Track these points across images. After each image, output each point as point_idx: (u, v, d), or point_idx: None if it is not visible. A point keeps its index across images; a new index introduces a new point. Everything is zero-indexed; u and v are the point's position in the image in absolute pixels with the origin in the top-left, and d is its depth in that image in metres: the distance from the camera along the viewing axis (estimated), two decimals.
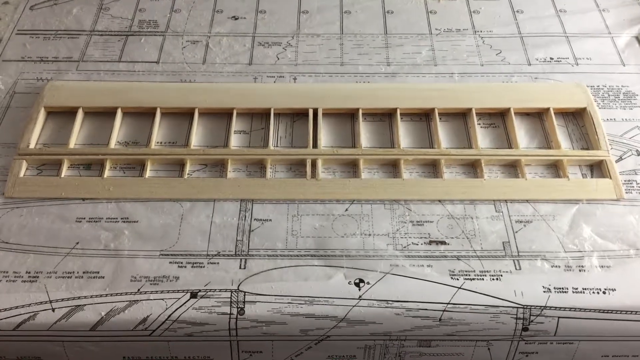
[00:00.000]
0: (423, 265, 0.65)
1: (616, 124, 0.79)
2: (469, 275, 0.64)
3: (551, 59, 0.88)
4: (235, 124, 0.78)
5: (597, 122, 0.77)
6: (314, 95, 0.80)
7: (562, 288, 0.63)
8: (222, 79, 0.85)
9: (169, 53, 0.88)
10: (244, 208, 0.70)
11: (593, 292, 0.63)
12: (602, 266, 0.65)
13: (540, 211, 0.70)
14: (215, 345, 0.63)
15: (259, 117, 0.80)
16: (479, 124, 0.79)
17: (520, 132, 0.78)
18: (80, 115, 0.78)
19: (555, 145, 0.76)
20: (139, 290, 0.63)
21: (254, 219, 0.69)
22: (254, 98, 0.80)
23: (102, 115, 0.79)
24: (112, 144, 0.75)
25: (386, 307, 0.62)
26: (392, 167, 0.75)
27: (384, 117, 0.80)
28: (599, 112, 0.79)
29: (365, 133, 0.78)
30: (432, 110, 0.79)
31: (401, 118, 0.78)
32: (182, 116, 0.79)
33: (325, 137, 0.77)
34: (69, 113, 0.78)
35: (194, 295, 0.62)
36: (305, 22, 0.94)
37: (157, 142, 0.76)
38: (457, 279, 0.64)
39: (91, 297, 0.62)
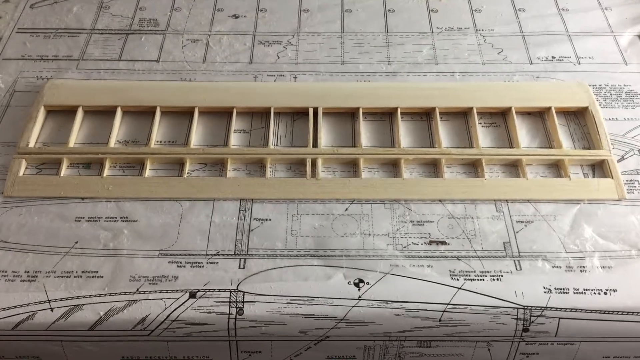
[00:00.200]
0: (423, 266, 0.65)
1: (618, 124, 0.79)
2: (469, 275, 0.64)
3: (553, 57, 0.88)
4: (235, 123, 0.78)
5: (599, 122, 0.77)
6: (315, 94, 0.80)
7: (563, 289, 0.63)
8: (222, 78, 0.85)
9: (169, 52, 0.88)
10: (244, 207, 0.70)
11: (594, 293, 0.63)
12: (603, 267, 0.65)
13: (541, 211, 0.70)
14: (214, 345, 0.62)
15: (259, 116, 0.79)
16: (480, 123, 0.78)
17: (522, 131, 0.77)
18: (80, 114, 0.78)
19: (556, 144, 0.75)
20: (137, 290, 0.62)
21: (254, 219, 0.69)
22: (254, 97, 0.80)
23: (102, 114, 0.78)
24: (112, 143, 0.75)
25: (386, 307, 0.62)
26: (393, 167, 0.74)
27: (385, 116, 0.79)
28: (600, 111, 0.78)
29: (365, 132, 0.77)
30: (433, 109, 0.78)
31: (402, 117, 0.78)
32: (182, 115, 0.79)
33: (325, 136, 0.77)
34: (69, 112, 0.78)
35: (193, 295, 0.62)
36: (305, 21, 0.94)
37: (157, 141, 0.76)
38: (458, 279, 0.64)
39: (90, 296, 0.62)
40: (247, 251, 0.66)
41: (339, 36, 0.91)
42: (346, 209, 0.70)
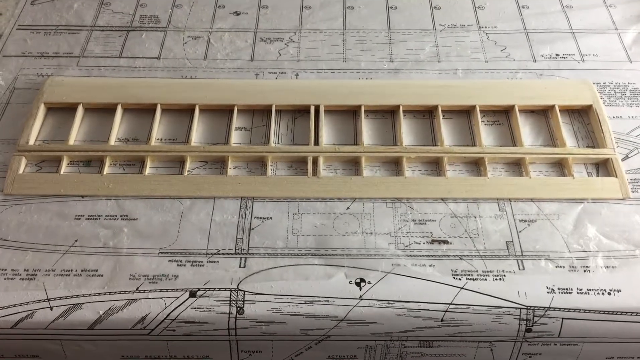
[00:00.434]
0: (425, 265, 0.64)
1: (622, 122, 0.78)
2: (472, 275, 0.64)
3: (557, 55, 0.87)
4: (236, 121, 0.77)
5: (603, 120, 0.76)
6: (316, 91, 0.79)
7: (567, 289, 0.62)
8: (223, 75, 0.84)
9: (170, 49, 0.88)
10: (244, 206, 0.69)
11: (598, 293, 0.62)
12: (607, 266, 0.64)
13: (544, 210, 0.69)
14: (215, 344, 0.62)
15: (260, 113, 0.79)
16: (483, 121, 0.78)
17: (525, 129, 0.77)
18: (80, 111, 0.77)
19: (560, 143, 0.75)
20: (137, 288, 0.62)
21: (254, 217, 0.68)
22: (255, 94, 0.79)
23: (102, 111, 0.78)
24: (112, 140, 0.75)
25: (387, 307, 0.61)
26: (395, 165, 0.74)
27: (387, 114, 0.79)
28: (605, 109, 0.78)
29: (367, 130, 0.77)
30: (436, 107, 0.78)
31: (404, 115, 0.78)
32: (183, 113, 0.78)
33: (326, 134, 0.76)
34: (69, 109, 0.78)
35: (193, 294, 0.62)
36: (307, 18, 0.93)
37: (157, 139, 0.76)
38: (460, 279, 0.63)
39: (89, 295, 0.62)
40: (248, 250, 0.66)
41: (341, 33, 0.91)
42: (347, 208, 0.69)
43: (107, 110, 0.78)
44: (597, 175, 0.73)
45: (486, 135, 0.76)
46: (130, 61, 0.86)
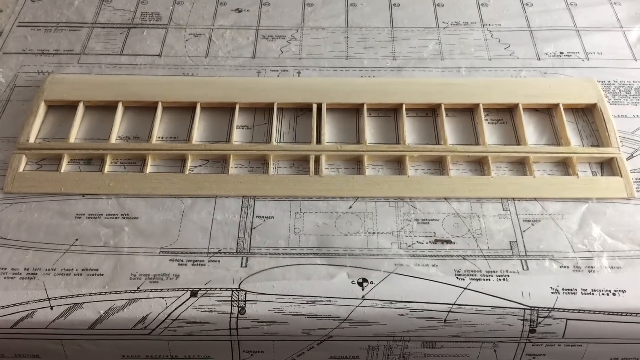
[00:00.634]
0: (428, 265, 0.64)
1: (627, 121, 0.77)
2: (475, 275, 0.63)
3: (561, 53, 0.86)
4: (238, 119, 0.76)
5: (608, 119, 0.76)
6: (318, 89, 0.79)
7: (571, 289, 0.62)
8: (224, 73, 0.83)
9: (171, 46, 0.87)
10: (246, 205, 0.69)
11: (602, 294, 0.62)
12: (612, 267, 0.64)
13: (548, 210, 0.68)
14: (216, 344, 0.62)
15: (261, 111, 0.78)
16: (487, 119, 0.77)
17: (529, 128, 0.76)
18: (80, 109, 0.77)
19: (564, 142, 0.74)
20: (138, 288, 0.62)
21: (256, 216, 0.68)
22: (257, 92, 0.78)
23: (103, 109, 0.77)
24: (113, 138, 0.74)
25: (390, 307, 0.61)
26: (397, 164, 0.73)
27: (389, 113, 0.78)
28: (609, 108, 0.77)
29: (370, 129, 0.76)
30: (439, 105, 0.77)
31: (407, 113, 0.77)
32: (184, 110, 0.78)
33: (329, 132, 0.76)
34: (70, 107, 0.77)
35: (194, 293, 0.61)
36: (309, 15, 0.93)
37: (159, 137, 0.75)
38: (463, 279, 0.63)
39: (90, 295, 0.61)
40: (250, 249, 0.65)
41: (343, 31, 0.90)
42: (350, 207, 0.69)
43: (108, 108, 0.77)
44: (602, 175, 0.72)
45: (490, 134, 0.75)
46: (131, 58, 0.85)
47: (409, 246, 0.66)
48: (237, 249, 0.65)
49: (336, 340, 0.62)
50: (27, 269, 0.63)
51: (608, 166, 0.73)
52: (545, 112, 0.78)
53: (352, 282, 0.62)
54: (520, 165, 0.73)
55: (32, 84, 0.81)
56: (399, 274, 0.63)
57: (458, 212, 0.68)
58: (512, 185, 0.70)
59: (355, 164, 0.73)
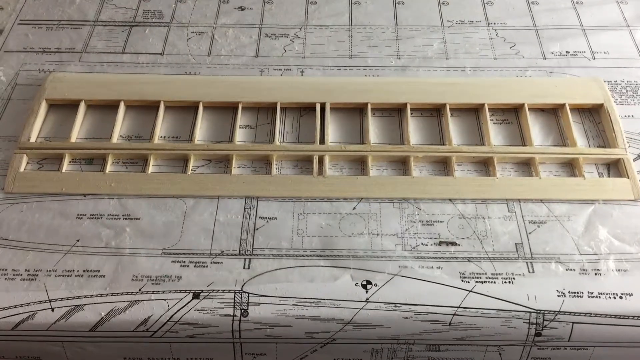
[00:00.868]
0: (433, 267, 0.63)
1: (634, 121, 0.76)
2: (480, 277, 0.62)
3: (567, 52, 0.85)
4: (241, 119, 0.76)
5: (615, 119, 0.75)
6: (322, 89, 0.78)
7: (577, 292, 0.61)
8: (227, 72, 0.83)
9: (173, 44, 0.86)
10: (249, 205, 0.68)
11: (609, 297, 0.61)
12: (618, 269, 0.63)
13: (554, 211, 0.68)
14: (218, 347, 0.61)
15: (265, 111, 0.78)
16: (492, 120, 0.76)
17: (535, 128, 0.75)
18: (82, 108, 0.76)
19: (570, 142, 0.73)
20: (140, 290, 0.61)
21: (259, 217, 0.67)
22: (260, 92, 0.78)
23: (105, 108, 0.77)
24: (115, 138, 0.73)
25: (394, 310, 0.60)
26: (402, 164, 0.72)
27: (394, 113, 0.78)
28: (616, 108, 0.76)
29: (374, 129, 0.75)
30: (444, 105, 0.76)
31: (411, 113, 0.76)
32: (186, 110, 0.77)
33: (332, 132, 0.75)
34: (71, 106, 0.76)
35: (196, 295, 0.61)
36: (313, 13, 0.92)
37: (161, 137, 0.75)
38: (468, 282, 0.62)
39: (91, 296, 0.61)
40: (252, 251, 0.64)
41: (347, 29, 0.89)
42: (354, 208, 0.68)
43: (110, 107, 0.76)
44: (609, 176, 0.71)
45: (495, 134, 0.75)
46: (133, 57, 0.85)
47: (414, 248, 0.65)
48: (239, 250, 0.65)
49: (340, 343, 0.61)
50: (28, 270, 0.62)
51: (615, 167, 0.72)
52: (551, 113, 0.77)
53: (356, 284, 0.62)
54: (526, 166, 0.72)
55: (33, 82, 0.81)
56: (403, 276, 0.63)
57: (463, 213, 0.68)
58: (518, 186, 0.70)
59: (359, 164, 0.72)
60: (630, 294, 0.61)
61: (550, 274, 0.63)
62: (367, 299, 0.61)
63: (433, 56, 0.85)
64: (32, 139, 0.73)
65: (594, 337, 0.61)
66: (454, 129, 0.75)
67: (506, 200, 0.69)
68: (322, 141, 0.73)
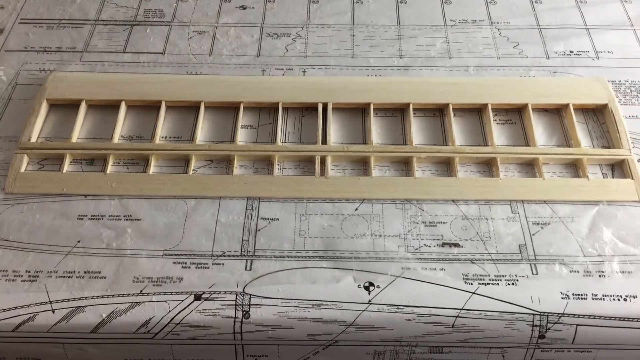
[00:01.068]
0: (435, 269, 0.63)
1: (639, 122, 0.76)
2: (484, 279, 0.62)
3: (571, 52, 0.85)
4: (242, 119, 0.75)
5: (619, 119, 0.74)
6: (324, 88, 0.77)
7: (581, 294, 0.61)
8: (229, 71, 0.82)
9: (174, 44, 0.86)
10: (251, 206, 0.68)
11: (613, 299, 0.61)
12: (623, 271, 0.63)
13: (558, 212, 0.67)
14: (220, 349, 0.61)
15: (266, 111, 0.77)
16: (495, 120, 0.76)
17: (538, 129, 0.75)
18: (83, 108, 0.75)
19: (574, 143, 0.73)
20: (141, 291, 0.61)
21: (261, 218, 0.67)
22: (261, 91, 0.77)
23: (106, 108, 0.76)
24: (116, 138, 0.73)
25: (397, 312, 0.60)
26: (404, 165, 0.72)
27: (396, 113, 0.77)
28: (620, 108, 0.76)
29: (376, 129, 0.75)
30: (446, 105, 0.76)
31: (414, 113, 0.76)
32: (188, 110, 0.77)
33: (335, 132, 0.74)
34: (72, 106, 0.76)
35: (197, 297, 0.60)
36: (315, 12, 0.91)
37: (162, 137, 0.74)
38: (471, 284, 0.62)
39: (92, 298, 0.60)
40: (254, 252, 0.64)
41: (349, 28, 0.89)
42: (356, 209, 0.68)
43: (111, 107, 0.76)
44: (613, 177, 0.71)
45: (498, 134, 0.74)
46: (134, 56, 0.84)
47: (416, 249, 0.64)
48: (241, 251, 0.64)
49: (342, 345, 0.61)
50: (29, 271, 0.62)
51: (619, 168, 0.71)
52: (555, 113, 0.77)
53: (359, 286, 0.61)
54: (530, 167, 0.72)
55: (34, 82, 0.80)
56: (406, 278, 0.62)
57: (466, 214, 0.67)
58: (521, 187, 0.69)
59: (362, 164, 0.72)
60: (635, 296, 0.61)
61: (554, 275, 0.62)
62: (369, 300, 0.60)
63: (436, 56, 0.85)
64: (33, 139, 0.73)
65: (598, 340, 0.60)
66: (456, 129, 0.74)
67: (509, 201, 0.68)
68: (324, 141, 0.73)
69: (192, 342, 0.60)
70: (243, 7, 0.92)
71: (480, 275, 0.62)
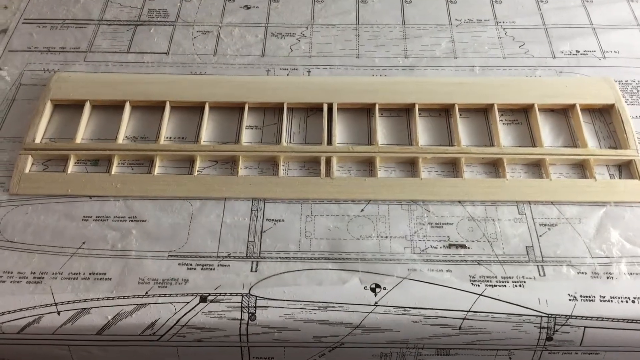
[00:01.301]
0: (442, 270, 0.63)
1: None
2: (491, 281, 0.62)
3: (577, 51, 0.84)
4: (247, 119, 0.75)
5: (626, 120, 0.74)
6: (329, 89, 0.77)
7: (589, 296, 0.60)
8: (233, 72, 0.82)
9: (179, 44, 0.86)
10: (256, 207, 0.68)
11: (621, 301, 0.60)
12: (631, 273, 0.62)
13: (565, 214, 0.67)
14: (226, 351, 0.61)
15: (271, 111, 0.77)
16: (501, 120, 0.75)
17: (545, 129, 0.74)
18: (87, 108, 0.75)
19: (581, 143, 0.72)
20: (146, 293, 0.60)
21: (266, 219, 0.67)
22: (266, 92, 0.77)
23: (110, 108, 0.76)
24: (120, 139, 0.73)
25: (403, 314, 0.59)
26: (410, 166, 0.72)
27: (402, 113, 0.77)
28: (627, 108, 0.75)
29: (382, 129, 0.75)
30: (452, 105, 0.75)
31: (419, 114, 0.75)
32: (192, 110, 0.76)
33: (340, 133, 0.74)
34: (76, 106, 0.76)
35: (203, 299, 0.60)
36: (319, 12, 0.91)
37: (166, 138, 0.74)
38: (478, 285, 0.61)
39: (97, 299, 0.60)
40: (260, 253, 0.64)
41: (354, 28, 0.88)
42: (362, 210, 0.67)
43: (115, 108, 0.76)
44: (620, 177, 0.70)
45: (504, 135, 0.74)
46: (139, 56, 0.84)
47: (423, 251, 0.64)
48: (247, 253, 0.64)
49: (348, 347, 0.60)
50: (34, 273, 0.62)
51: (626, 169, 0.71)
52: (562, 113, 0.77)
53: (365, 287, 0.61)
54: (536, 168, 0.71)
55: (38, 82, 0.80)
56: (412, 280, 0.62)
57: (472, 215, 0.67)
58: (528, 188, 0.69)
59: (367, 165, 0.72)
60: None
61: (561, 277, 0.62)
62: (375, 302, 0.60)
63: (441, 55, 0.84)
64: (37, 140, 0.72)
65: (605, 342, 0.60)
66: (462, 129, 0.74)
67: (516, 202, 0.68)
68: (330, 142, 0.72)
69: (198, 345, 0.60)
70: (247, 7, 0.92)
71: (487, 277, 0.62)
